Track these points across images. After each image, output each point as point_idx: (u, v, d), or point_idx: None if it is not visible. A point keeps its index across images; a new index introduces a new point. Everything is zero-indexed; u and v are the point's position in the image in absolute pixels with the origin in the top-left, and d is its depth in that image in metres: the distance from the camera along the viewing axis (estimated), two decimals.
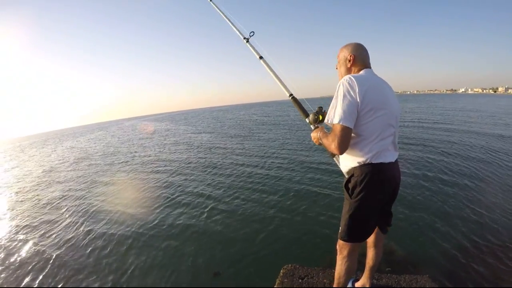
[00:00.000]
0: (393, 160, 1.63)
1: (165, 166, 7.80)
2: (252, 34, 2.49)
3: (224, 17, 2.74)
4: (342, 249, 1.73)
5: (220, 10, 2.83)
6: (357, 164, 1.57)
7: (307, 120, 1.92)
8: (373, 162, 1.54)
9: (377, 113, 1.52)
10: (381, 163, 1.56)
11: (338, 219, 1.69)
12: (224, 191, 4.96)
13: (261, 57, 2.32)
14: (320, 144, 1.76)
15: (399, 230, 2.86)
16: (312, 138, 1.80)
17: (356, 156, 1.57)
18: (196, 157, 8.48)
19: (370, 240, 1.92)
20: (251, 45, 2.44)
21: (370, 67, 1.70)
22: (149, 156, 9.86)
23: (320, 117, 1.81)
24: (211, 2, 3.00)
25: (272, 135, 12.15)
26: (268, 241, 3.07)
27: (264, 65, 2.27)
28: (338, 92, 1.52)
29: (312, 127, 1.88)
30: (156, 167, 7.84)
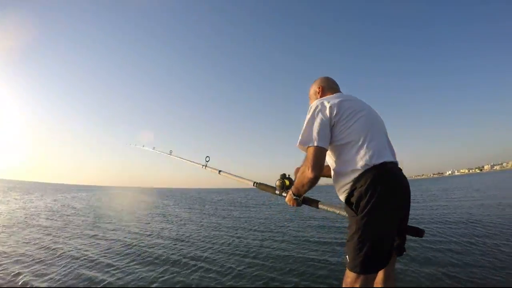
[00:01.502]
0: (396, 161, 1.42)
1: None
2: (208, 159, 2.70)
3: (185, 160, 3.17)
4: (351, 285, 1.29)
5: (181, 157, 3.28)
6: (356, 174, 1.32)
7: (276, 192, 1.81)
8: (374, 163, 1.30)
9: (356, 115, 1.42)
10: (384, 163, 1.32)
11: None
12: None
13: (220, 171, 2.57)
14: (296, 203, 1.59)
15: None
16: (287, 201, 1.63)
17: (352, 165, 1.34)
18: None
19: (379, 273, 1.46)
20: (210, 167, 2.70)
21: (340, 92, 1.69)
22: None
23: (287, 182, 1.73)
24: (171, 155, 3.44)
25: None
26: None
27: (226, 175, 2.52)
28: (308, 116, 1.45)
29: (284, 194, 1.74)
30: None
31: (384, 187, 1.27)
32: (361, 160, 1.31)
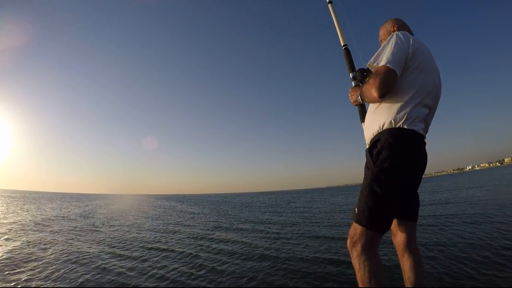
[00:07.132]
0: (425, 136, 1.42)
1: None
2: None
3: None
4: (356, 242, 1.27)
5: None
6: (386, 126, 1.34)
7: (351, 74, 1.78)
8: (405, 127, 1.31)
9: (423, 73, 1.37)
10: (414, 131, 1.32)
11: None
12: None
13: (330, 2, 2.23)
14: (356, 101, 1.62)
15: None
16: (351, 91, 1.66)
17: (388, 115, 1.34)
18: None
19: (400, 241, 1.51)
20: None
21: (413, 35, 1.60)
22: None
23: (368, 79, 1.59)
24: None
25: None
26: None
27: (331, 10, 2.20)
28: (389, 41, 1.40)
29: (353, 83, 1.72)
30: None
31: (404, 151, 1.29)
32: (397, 116, 1.32)
